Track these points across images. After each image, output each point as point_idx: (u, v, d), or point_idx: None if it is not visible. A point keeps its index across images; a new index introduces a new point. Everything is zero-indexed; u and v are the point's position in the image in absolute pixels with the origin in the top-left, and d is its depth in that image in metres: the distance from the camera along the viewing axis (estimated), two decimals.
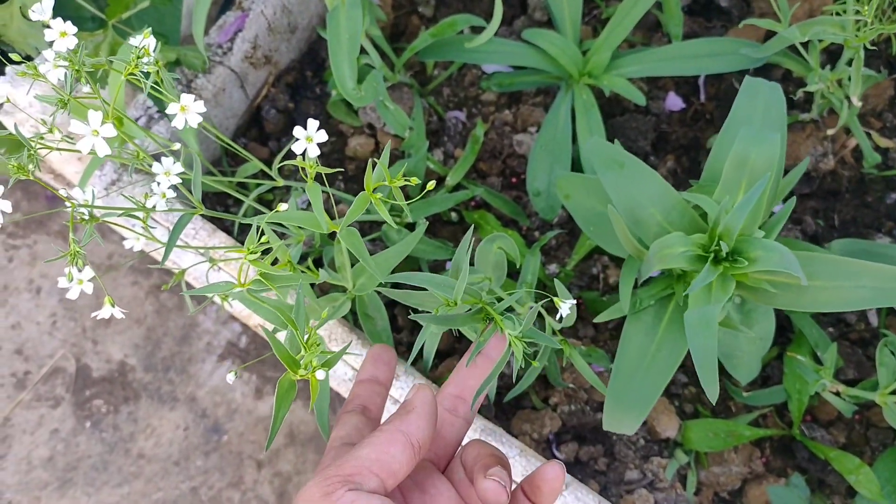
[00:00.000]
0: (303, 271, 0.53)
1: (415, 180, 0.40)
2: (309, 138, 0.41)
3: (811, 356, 0.63)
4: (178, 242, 0.61)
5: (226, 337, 1.11)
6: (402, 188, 0.73)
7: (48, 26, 0.40)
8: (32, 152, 0.42)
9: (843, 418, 0.68)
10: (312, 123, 0.41)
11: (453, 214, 0.74)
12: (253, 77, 0.75)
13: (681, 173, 0.77)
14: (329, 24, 0.61)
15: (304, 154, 0.42)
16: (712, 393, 0.44)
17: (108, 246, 1.11)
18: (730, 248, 0.45)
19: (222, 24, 0.73)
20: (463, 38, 0.70)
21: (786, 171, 0.76)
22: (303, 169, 0.42)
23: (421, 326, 0.67)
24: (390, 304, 0.71)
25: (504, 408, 0.68)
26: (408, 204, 0.69)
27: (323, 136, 0.41)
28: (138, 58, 0.42)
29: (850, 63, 0.63)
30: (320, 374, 0.40)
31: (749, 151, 0.46)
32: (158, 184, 0.45)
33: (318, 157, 0.77)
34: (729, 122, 0.52)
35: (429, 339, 0.48)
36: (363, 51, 0.71)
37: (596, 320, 0.56)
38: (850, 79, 0.64)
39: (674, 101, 0.80)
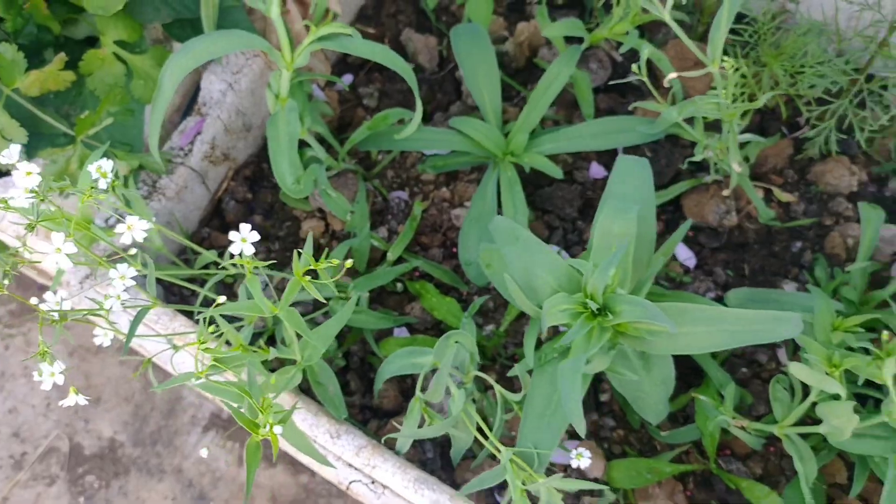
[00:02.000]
0: (255, 350, 0.60)
1: (348, 264, 0.47)
2: (244, 239, 0.49)
3: (717, 396, 0.70)
4: (142, 328, 0.68)
5: (209, 409, 1.17)
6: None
7: (15, 168, 0.48)
8: (7, 268, 0.50)
9: (756, 453, 0.74)
10: (244, 227, 0.49)
11: (398, 285, 0.82)
12: (213, 173, 0.84)
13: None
14: (269, 127, 0.70)
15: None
16: (580, 428, 0.51)
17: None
18: (599, 304, 0.53)
19: (183, 129, 0.82)
20: (395, 130, 0.79)
21: (694, 229, 0.84)
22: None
23: (370, 388, 0.74)
24: (343, 371, 0.78)
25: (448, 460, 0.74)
26: (354, 279, 0.77)
27: (255, 236, 0.49)
28: (95, 181, 0.51)
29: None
30: (278, 430, 0.47)
31: (612, 223, 0.54)
32: (114, 287, 0.53)
33: (276, 240, 0.85)
34: (605, 197, 0.60)
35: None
36: (308, 145, 0.80)
37: (509, 374, 0.63)
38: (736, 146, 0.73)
39: (597, 170, 0.88)
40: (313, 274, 0.50)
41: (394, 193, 0.87)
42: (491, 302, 0.81)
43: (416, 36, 0.93)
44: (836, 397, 0.61)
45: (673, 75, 0.61)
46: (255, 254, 0.84)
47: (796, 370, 0.58)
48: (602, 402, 0.77)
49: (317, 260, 0.48)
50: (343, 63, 0.96)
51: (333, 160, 0.82)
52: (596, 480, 0.73)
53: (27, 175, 0.47)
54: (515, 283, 0.58)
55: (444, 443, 0.74)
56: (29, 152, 0.73)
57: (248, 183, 0.88)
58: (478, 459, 0.69)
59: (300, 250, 0.51)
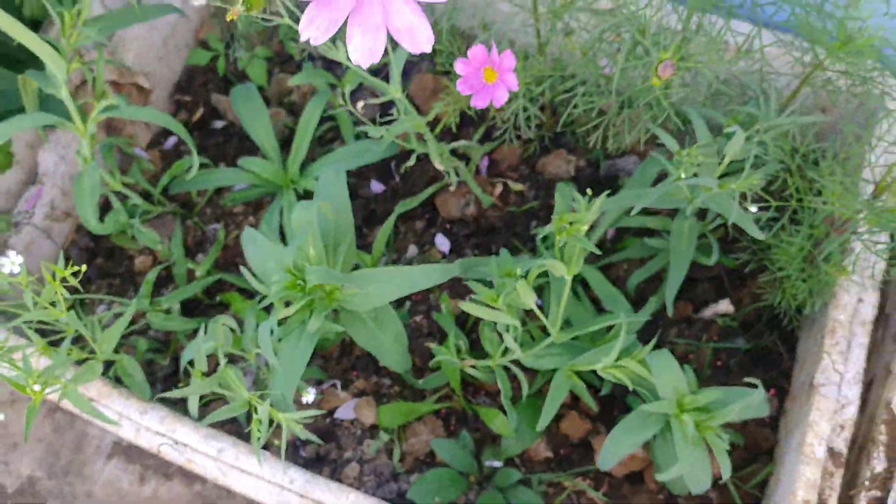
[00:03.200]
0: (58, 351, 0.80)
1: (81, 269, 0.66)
2: (13, 262, 0.69)
3: (453, 346, 0.90)
4: None
5: (111, 438, 1.34)
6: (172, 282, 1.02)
7: None
8: None
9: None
10: (12, 253, 0.69)
11: (217, 298, 1.02)
12: (58, 228, 1.04)
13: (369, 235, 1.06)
14: (75, 183, 0.90)
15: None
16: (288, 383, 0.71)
17: (7, 387, 1.36)
18: (298, 278, 0.74)
19: (26, 196, 1.02)
20: (185, 178, 1.00)
21: (450, 222, 1.04)
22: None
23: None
24: (173, 374, 0.98)
25: None
26: (168, 294, 0.97)
27: (19, 259, 0.68)
28: None
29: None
30: (36, 388, 0.67)
31: (297, 216, 0.75)
32: None
33: (117, 276, 1.05)
34: (314, 197, 0.81)
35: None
36: (125, 197, 1.00)
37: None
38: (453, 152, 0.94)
39: (376, 186, 1.09)
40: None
41: (210, 226, 1.07)
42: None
43: (222, 99, 1.14)
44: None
45: (360, 104, 0.83)
46: (99, 288, 1.04)
47: (466, 306, 0.78)
48: (381, 367, 0.97)
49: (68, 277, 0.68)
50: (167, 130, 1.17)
51: (152, 205, 1.03)
52: (372, 426, 0.92)
53: None
54: (255, 274, 0.78)
55: None
56: None
57: (89, 235, 1.08)
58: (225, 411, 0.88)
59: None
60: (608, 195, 0.76)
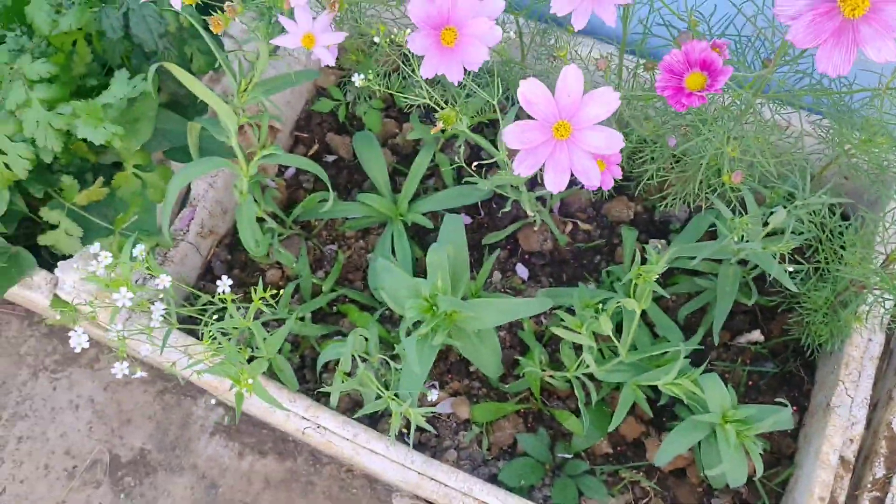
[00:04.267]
0: (239, 349, 1.01)
1: (282, 293, 0.88)
2: (225, 284, 0.90)
3: (537, 359, 1.11)
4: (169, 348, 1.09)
5: (213, 419, 1.56)
6: (299, 295, 1.23)
7: (97, 256, 0.89)
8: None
9: (572, 394, 1.15)
10: (225, 279, 0.90)
11: (334, 309, 1.23)
12: (203, 244, 1.26)
13: (473, 264, 1.27)
14: (238, 213, 1.12)
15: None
16: (424, 371, 0.92)
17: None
18: (432, 303, 0.95)
19: (181, 216, 1.24)
20: (321, 206, 1.21)
21: (529, 254, 1.26)
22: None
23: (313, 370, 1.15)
24: (300, 367, 1.19)
25: None
26: (300, 305, 1.18)
27: (229, 282, 0.90)
28: (135, 258, 0.92)
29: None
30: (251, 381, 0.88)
31: (433, 257, 0.96)
32: (154, 315, 0.94)
33: (250, 285, 1.26)
34: (439, 239, 1.03)
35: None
36: (264, 220, 1.22)
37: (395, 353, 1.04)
38: (538, 199, 1.15)
39: (465, 219, 1.30)
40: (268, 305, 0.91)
41: (327, 247, 1.28)
42: (384, 308, 1.23)
43: (336, 137, 1.35)
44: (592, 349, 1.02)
45: (475, 164, 1.04)
46: (235, 294, 1.26)
47: (556, 330, 0.99)
48: (471, 371, 1.18)
49: (267, 297, 0.89)
50: None
51: (283, 228, 1.24)
52: (465, 420, 1.14)
53: (105, 258, 0.88)
54: (389, 297, 1.00)
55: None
56: (84, 242, 1.14)
57: (227, 249, 1.30)
58: (370, 408, 1.09)
59: (255, 288, 0.93)
60: (659, 238, 0.97)
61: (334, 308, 1.23)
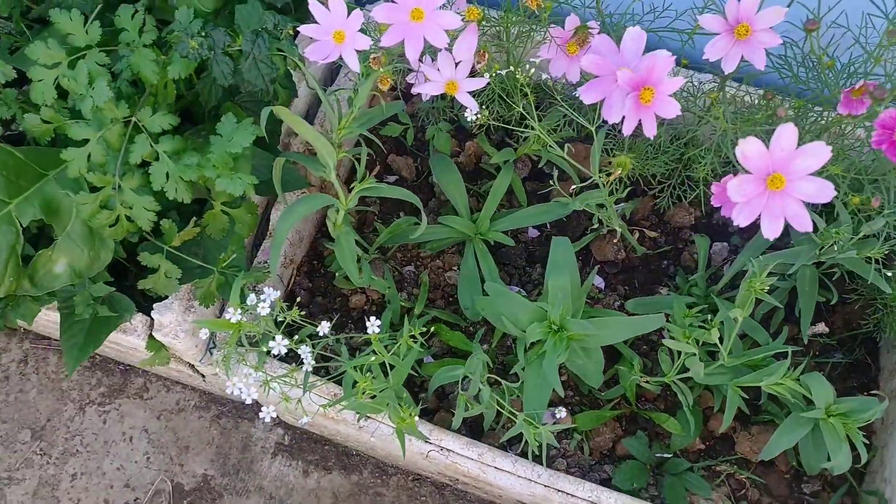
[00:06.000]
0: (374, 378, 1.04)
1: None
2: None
3: (631, 365, 1.18)
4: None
5: (273, 440, 1.57)
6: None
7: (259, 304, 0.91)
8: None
9: (660, 395, 1.22)
10: (374, 321, 0.93)
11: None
12: (286, 273, 1.27)
13: (539, 275, 1.32)
14: (336, 246, 1.14)
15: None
16: (559, 389, 0.97)
17: (174, 395, 1.57)
18: (558, 325, 1.00)
19: (263, 248, 1.25)
20: (407, 230, 1.24)
21: (601, 264, 1.32)
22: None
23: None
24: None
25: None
26: (392, 330, 1.21)
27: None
28: (245, 301, 0.94)
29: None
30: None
31: (556, 282, 1.01)
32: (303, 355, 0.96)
33: (334, 311, 1.29)
34: (549, 265, 1.07)
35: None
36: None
37: (511, 372, 1.09)
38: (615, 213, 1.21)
39: (532, 232, 1.35)
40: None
41: (405, 269, 1.32)
42: (482, 329, 1.27)
43: (398, 158, 1.38)
44: (694, 355, 1.09)
45: (574, 187, 1.09)
46: (322, 319, 1.28)
47: (668, 342, 1.06)
48: (563, 381, 1.24)
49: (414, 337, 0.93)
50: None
51: (365, 253, 1.27)
52: (568, 429, 1.20)
53: (262, 307, 0.90)
54: (507, 320, 1.04)
55: (471, 421, 1.19)
56: (181, 282, 1.14)
57: (307, 276, 1.31)
58: (512, 432, 1.14)
59: (410, 326, 0.96)
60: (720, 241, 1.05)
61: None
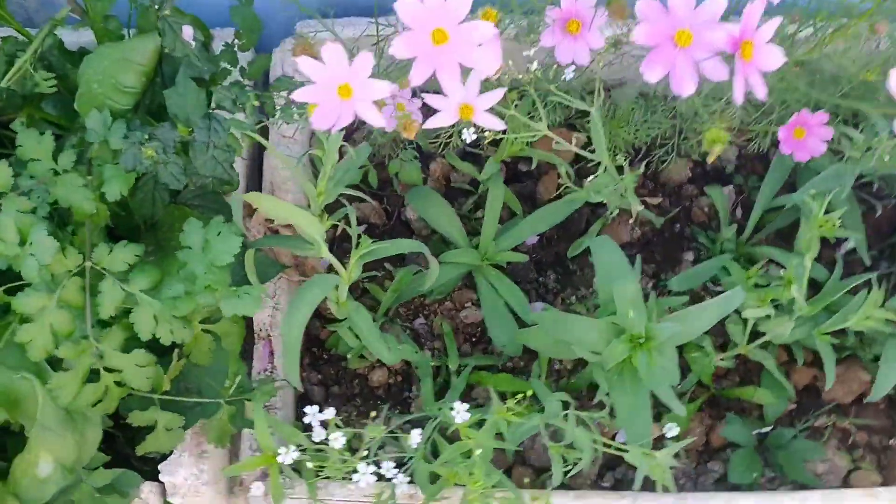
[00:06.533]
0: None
1: None
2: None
3: (700, 348, 1.07)
4: None
5: None
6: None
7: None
8: None
9: (732, 372, 1.12)
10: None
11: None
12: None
13: (555, 282, 1.19)
14: (352, 325, 0.97)
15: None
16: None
17: None
18: (643, 336, 0.87)
19: (259, 356, 1.06)
20: (413, 282, 1.08)
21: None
22: None
23: None
24: None
25: None
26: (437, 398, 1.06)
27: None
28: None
29: None
30: None
31: (625, 291, 0.88)
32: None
33: (356, 396, 1.12)
34: (600, 270, 0.95)
35: None
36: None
37: (595, 401, 0.96)
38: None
39: (531, 239, 1.22)
40: None
41: (416, 323, 1.16)
42: (521, 362, 1.13)
43: (362, 205, 1.21)
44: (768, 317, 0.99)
45: (589, 178, 0.97)
46: (349, 413, 1.11)
47: (747, 311, 0.95)
48: None
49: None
50: None
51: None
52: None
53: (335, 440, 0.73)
54: (577, 345, 0.91)
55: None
56: (185, 426, 0.94)
57: (311, 368, 1.13)
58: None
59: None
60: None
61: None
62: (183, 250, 0.84)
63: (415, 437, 0.78)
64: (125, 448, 0.97)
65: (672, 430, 0.92)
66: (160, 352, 0.95)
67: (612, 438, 0.94)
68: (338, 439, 0.75)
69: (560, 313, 0.92)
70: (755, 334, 1.05)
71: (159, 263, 0.87)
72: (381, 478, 0.83)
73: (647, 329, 0.88)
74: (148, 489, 0.96)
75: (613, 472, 1.08)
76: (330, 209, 1.00)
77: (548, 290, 1.20)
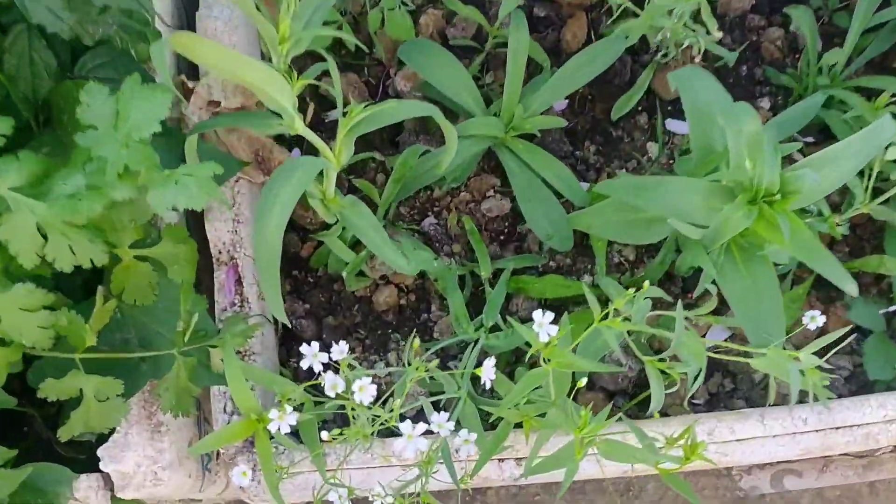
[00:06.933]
0: None
1: None
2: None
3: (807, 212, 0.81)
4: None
5: None
6: None
7: None
8: None
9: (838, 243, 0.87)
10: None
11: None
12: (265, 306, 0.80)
13: (596, 154, 0.92)
14: (355, 229, 0.69)
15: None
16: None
17: None
18: (775, 191, 0.61)
19: (220, 286, 0.77)
20: (424, 173, 0.80)
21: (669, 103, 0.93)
22: None
23: None
24: None
25: None
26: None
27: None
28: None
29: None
30: None
31: (739, 127, 0.61)
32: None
33: (359, 327, 0.84)
34: (691, 117, 0.67)
35: None
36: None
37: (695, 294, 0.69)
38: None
39: (558, 105, 0.93)
40: None
41: (425, 222, 0.87)
42: (569, 259, 0.86)
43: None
44: None
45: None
46: (353, 350, 0.83)
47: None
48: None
49: None
50: None
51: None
52: None
53: None
54: (674, 216, 0.64)
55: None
56: (126, 395, 0.66)
57: (294, 295, 0.85)
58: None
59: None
60: None
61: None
62: (85, 131, 0.54)
63: (487, 370, 0.50)
64: (45, 431, 0.69)
65: (817, 318, 0.66)
66: (75, 291, 0.67)
67: None
68: (365, 388, 0.47)
69: (639, 177, 0.65)
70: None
71: (52, 158, 0.58)
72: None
73: (785, 180, 0.60)
74: (86, 484, 0.68)
75: (706, 384, 0.84)
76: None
77: (588, 165, 0.92)
